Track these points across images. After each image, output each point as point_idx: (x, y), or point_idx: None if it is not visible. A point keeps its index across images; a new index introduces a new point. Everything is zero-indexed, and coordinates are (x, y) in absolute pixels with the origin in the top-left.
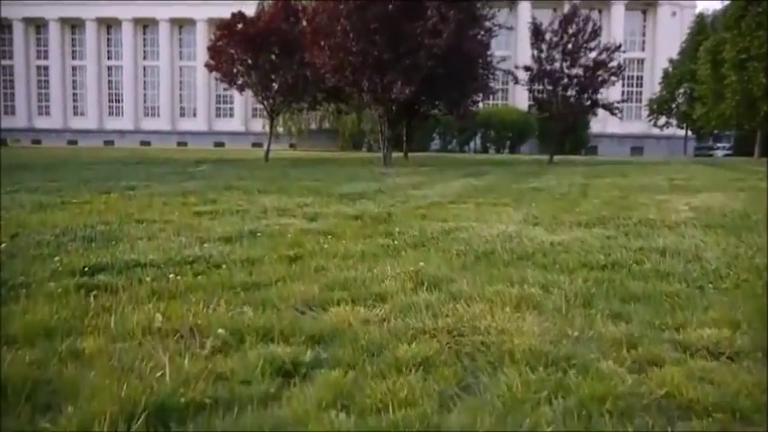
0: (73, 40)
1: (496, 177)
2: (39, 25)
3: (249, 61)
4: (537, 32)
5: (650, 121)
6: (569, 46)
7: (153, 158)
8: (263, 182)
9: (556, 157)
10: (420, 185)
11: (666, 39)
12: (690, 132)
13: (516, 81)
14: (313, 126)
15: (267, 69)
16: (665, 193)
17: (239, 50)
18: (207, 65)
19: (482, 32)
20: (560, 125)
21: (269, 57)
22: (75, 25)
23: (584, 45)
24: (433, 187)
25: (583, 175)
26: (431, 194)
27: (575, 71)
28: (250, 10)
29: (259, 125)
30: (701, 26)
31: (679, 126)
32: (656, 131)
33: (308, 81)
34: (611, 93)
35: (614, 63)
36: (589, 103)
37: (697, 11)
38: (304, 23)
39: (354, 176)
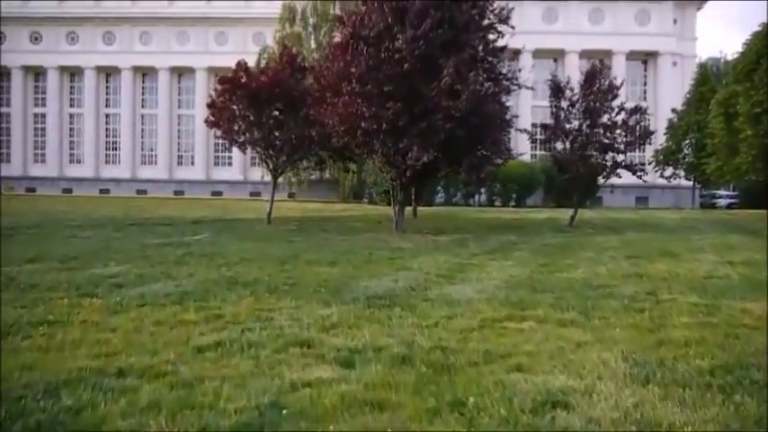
0: (71, 87)
1: (528, 256)
2: (37, 73)
3: (252, 117)
4: (557, 90)
5: (656, 171)
6: (591, 104)
7: (148, 218)
8: (270, 267)
9: (567, 210)
10: (452, 274)
11: (668, 88)
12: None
13: (533, 141)
14: (313, 177)
15: (271, 126)
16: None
17: (242, 106)
18: (206, 121)
19: (500, 91)
20: (580, 185)
21: (273, 113)
22: (74, 73)
23: (606, 104)
24: (469, 277)
25: (625, 255)
26: (472, 295)
27: (596, 130)
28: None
29: (258, 174)
30: (705, 76)
31: (686, 177)
32: (660, 181)
33: (313, 140)
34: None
35: (640, 125)
36: (611, 164)
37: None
38: (311, 80)
39: (372, 254)
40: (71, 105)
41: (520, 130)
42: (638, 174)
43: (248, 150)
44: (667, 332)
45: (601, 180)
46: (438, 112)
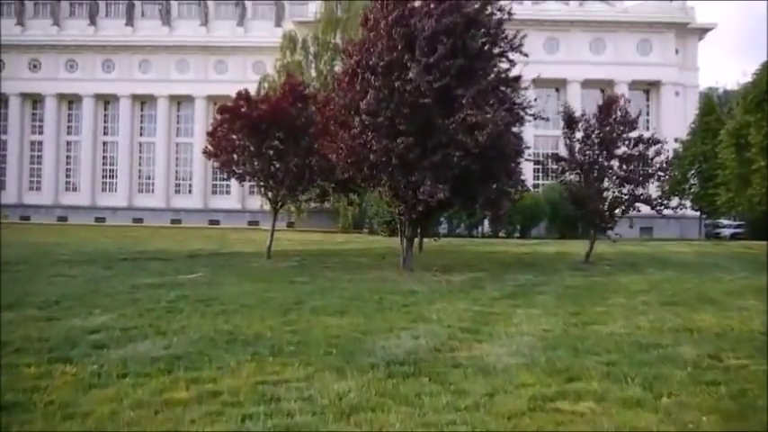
0: (69, 115)
1: (553, 301)
2: (35, 100)
3: (252, 147)
4: (570, 122)
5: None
6: (607, 135)
7: (141, 251)
8: (273, 317)
9: (574, 243)
10: (477, 327)
11: (671, 118)
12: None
13: (547, 174)
14: (312, 205)
15: (271, 156)
16: None
17: (242, 135)
18: (205, 152)
19: (515, 121)
20: (596, 219)
21: (273, 143)
22: (72, 101)
23: (624, 135)
24: (497, 332)
25: (660, 301)
26: (508, 359)
27: (613, 162)
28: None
29: (256, 203)
30: (710, 106)
31: (693, 208)
32: (666, 211)
33: (315, 171)
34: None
35: (659, 157)
36: (629, 197)
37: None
38: (313, 109)
39: (383, 299)
40: (68, 133)
41: (532, 161)
42: (659, 209)
43: (247, 181)
44: (758, 416)
45: (618, 214)
46: (453, 145)
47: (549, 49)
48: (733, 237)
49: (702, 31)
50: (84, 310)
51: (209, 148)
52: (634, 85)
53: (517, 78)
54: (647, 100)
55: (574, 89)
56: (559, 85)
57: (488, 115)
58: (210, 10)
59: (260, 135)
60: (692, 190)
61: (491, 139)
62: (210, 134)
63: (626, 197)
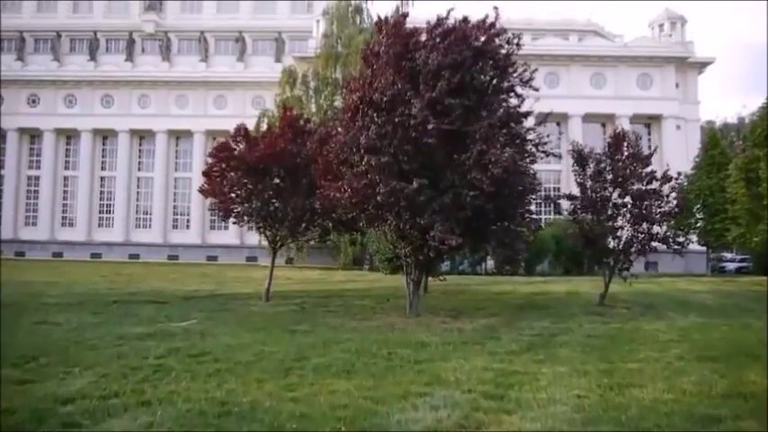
0: (67, 150)
1: (579, 356)
2: (33, 135)
3: (250, 186)
4: (581, 159)
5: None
6: (620, 171)
7: (134, 292)
8: (272, 379)
9: (581, 280)
10: (500, 391)
11: (673, 152)
12: (702, 244)
13: (559, 212)
14: (312, 242)
15: (270, 196)
16: None
17: (239, 174)
18: (200, 190)
19: (530, 160)
20: (610, 258)
21: (272, 182)
22: (70, 136)
23: (636, 171)
24: (525, 398)
25: (697, 356)
26: None
27: (626, 200)
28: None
29: (254, 238)
30: (715, 140)
31: (699, 243)
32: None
33: (316, 211)
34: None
35: (674, 193)
36: (645, 236)
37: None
38: (313, 146)
39: (392, 354)
40: (66, 168)
41: (542, 200)
42: (677, 248)
43: (245, 222)
44: None
45: (634, 253)
46: (466, 184)
47: (549, 83)
48: (738, 271)
49: (702, 65)
50: (62, 369)
51: (205, 186)
52: (635, 118)
53: (527, 114)
54: (649, 134)
55: (575, 123)
56: (560, 119)
57: (501, 152)
58: (210, 46)
59: (258, 174)
60: (698, 224)
61: (506, 174)
62: (205, 174)
63: (641, 236)
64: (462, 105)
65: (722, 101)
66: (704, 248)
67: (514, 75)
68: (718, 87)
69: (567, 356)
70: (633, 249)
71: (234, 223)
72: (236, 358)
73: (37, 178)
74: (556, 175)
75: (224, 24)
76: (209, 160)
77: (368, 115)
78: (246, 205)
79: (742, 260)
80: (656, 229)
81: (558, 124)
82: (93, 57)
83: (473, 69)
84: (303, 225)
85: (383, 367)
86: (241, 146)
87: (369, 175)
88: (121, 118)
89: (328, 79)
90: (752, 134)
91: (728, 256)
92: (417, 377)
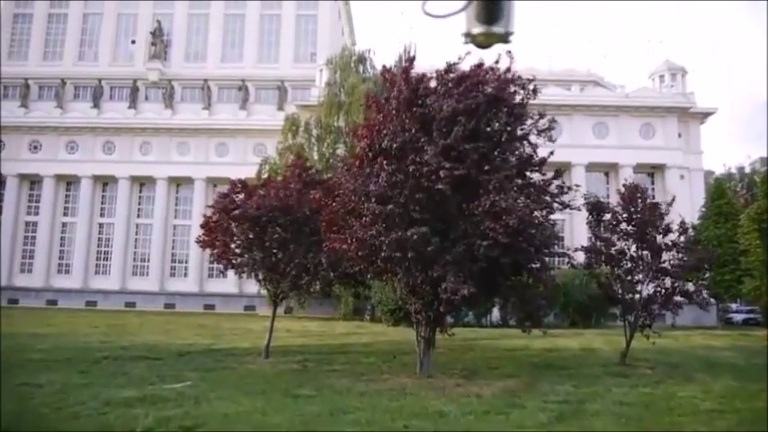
0: (67, 196)
1: (616, 428)
2: (33, 181)
3: (251, 235)
4: (596, 210)
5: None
6: (637, 225)
7: (127, 346)
8: None
9: (591, 333)
10: None
11: (677, 201)
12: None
13: (573, 266)
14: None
15: (272, 247)
16: None
17: (242, 226)
18: (198, 241)
19: (548, 211)
20: (631, 314)
21: (275, 234)
22: (70, 182)
23: (655, 222)
24: None
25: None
26: None
27: (645, 252)
28: (250, 169)
29: (253, 287)
30: (721, 190)
31: (709, 294)
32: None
33: (321, 264)
34: None
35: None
36: (667, 292)
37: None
38: (319, 194)
39: (409, 426)
40: (65, 214)
41: (561, 255)
42: (701, 303)
43: (245, 273)
44: None
45: (656, 309)
46: (478, 235)
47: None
48: (745, 322)
49: (704, 116)
50: None
51: (204, 237)
52: (638, 168)
53: (543, 162)
54: (653, 183)
55: (578, 172)
56: (564, 167)
57: (515, 201)
58: (214, 94)
59: (261, 225)
60: (707, 276)
61: (522, 225)
62: (203, 226)
63: (663, 291)
64: (477, 151)
65: (725, 150)
66: (717, 301)
67: (528, 123)
68: (721, 137)
69: (605, 430)
70: (656, 305)
71: (236, 270)
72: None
73: (35, 224)
74: (559, 224)
75: (227, 73)
76: (209, 212)
77: (377, 163)
78: (247, 256)
79: (749, 311)
80: (678, 283)
81: (562, 173)
82: (96, 104)
83: (488, 116)
84: (307, 278)
85: None
86: (241, 196)
87: (376, 226)
88: (122, 164)
89: (331, 127)
90: (762, 184)
91: (734, 307)
92: None
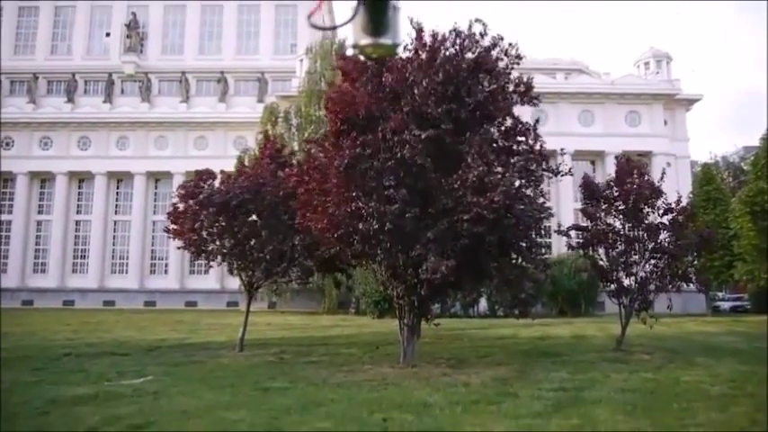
0: (41, 194)
1: (622, 418)
2: (6, 179)
3: (223, 223)
4: (590, 190)
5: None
6: (631, 203)
7: (95, 342)
8: None
9: (585, 322)
10: None
11: (664, 188)
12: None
13: (570, 247)
14: (294, 285)
15: (245, 234)
16: None
17: (210, 212)
18: (167, 230)
19: (537, 182)
20: (627, 297)
21: (247, 220)
22: (44, 179)
23: (649, 201)
24: None
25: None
26: None
27: (640, 233)
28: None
29: (236, 283)
30: (710, 176)
31: (697, 281)
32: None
33: (296, 249)
34: None
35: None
36: (663, 272)
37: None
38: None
39: (389, 422)
40: (39, 212)
41: (558, 232)
42: (702, 283)
43: (218, 260)
44: None
45: (652, 291)
46: (461, 209)
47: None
48: (733, 310)
49: (689, 103)
50: None
51: (173, 227)
52: (625, 155)
53: (528, 128)
54: None
55: (565, 160)
56: (550, 155)
57: (502, 176)
58: (192, 86)
59: (232, 211)
60: (695, 262)
61: (508, 199)
62: (170, 214)
63: (658, 271)
64: (450, 115)
65: (711, 138)
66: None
67: (514, 86)
68: (707, 125)
69: (609, 419)
70: (652, 287)
71: (206, 263)
72: (188, 430)
73: (9, 223)
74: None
75: (206, 65)
76: (175, 200)
77: (348, 135)
78: (219, 243)
79: (737, 299)
80: (675, 262)
81: (548, 161)
82: (70, 98)
83: (468, 82)
84: (282, 266)
85: None
86: (210, 182)
87: (353, 204)
88: (99, 160)
89: (311, 117)
90: (754, 167)
91: (720, 294)
92: None
